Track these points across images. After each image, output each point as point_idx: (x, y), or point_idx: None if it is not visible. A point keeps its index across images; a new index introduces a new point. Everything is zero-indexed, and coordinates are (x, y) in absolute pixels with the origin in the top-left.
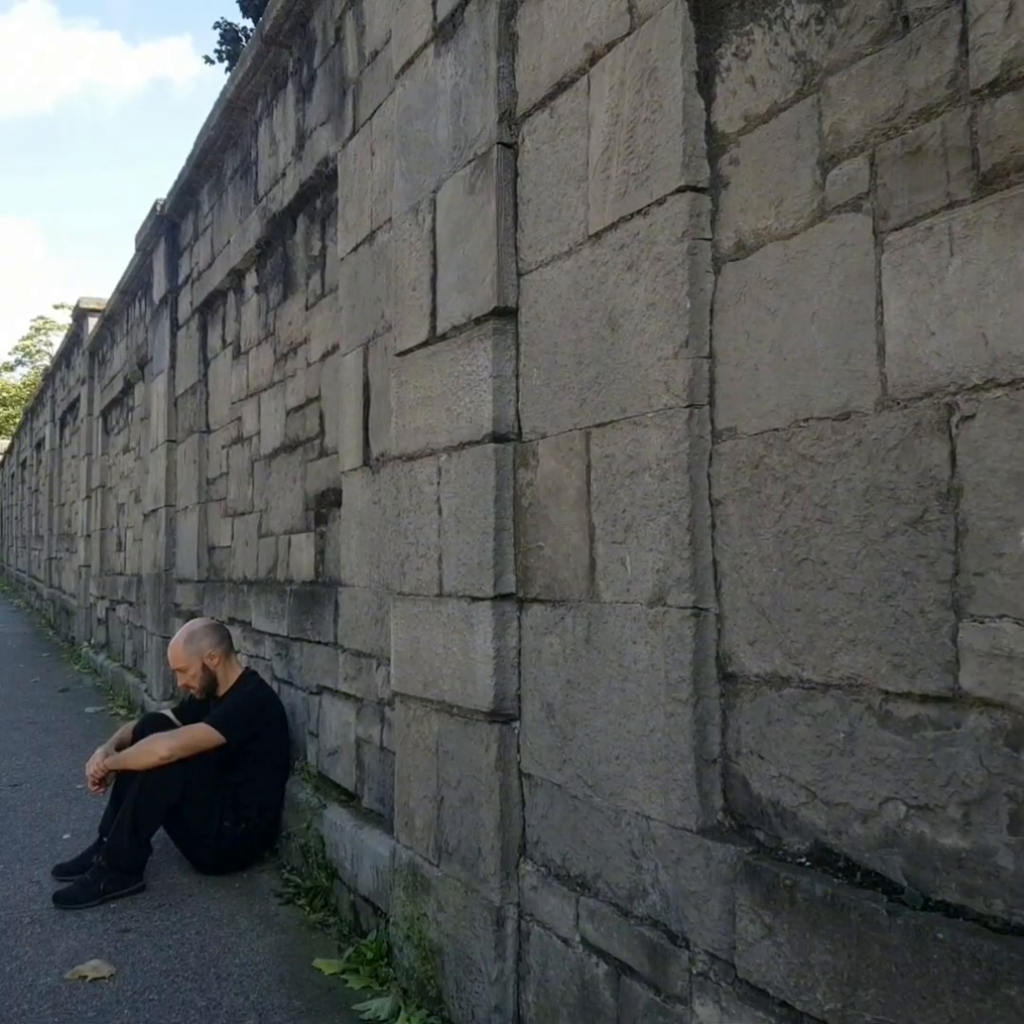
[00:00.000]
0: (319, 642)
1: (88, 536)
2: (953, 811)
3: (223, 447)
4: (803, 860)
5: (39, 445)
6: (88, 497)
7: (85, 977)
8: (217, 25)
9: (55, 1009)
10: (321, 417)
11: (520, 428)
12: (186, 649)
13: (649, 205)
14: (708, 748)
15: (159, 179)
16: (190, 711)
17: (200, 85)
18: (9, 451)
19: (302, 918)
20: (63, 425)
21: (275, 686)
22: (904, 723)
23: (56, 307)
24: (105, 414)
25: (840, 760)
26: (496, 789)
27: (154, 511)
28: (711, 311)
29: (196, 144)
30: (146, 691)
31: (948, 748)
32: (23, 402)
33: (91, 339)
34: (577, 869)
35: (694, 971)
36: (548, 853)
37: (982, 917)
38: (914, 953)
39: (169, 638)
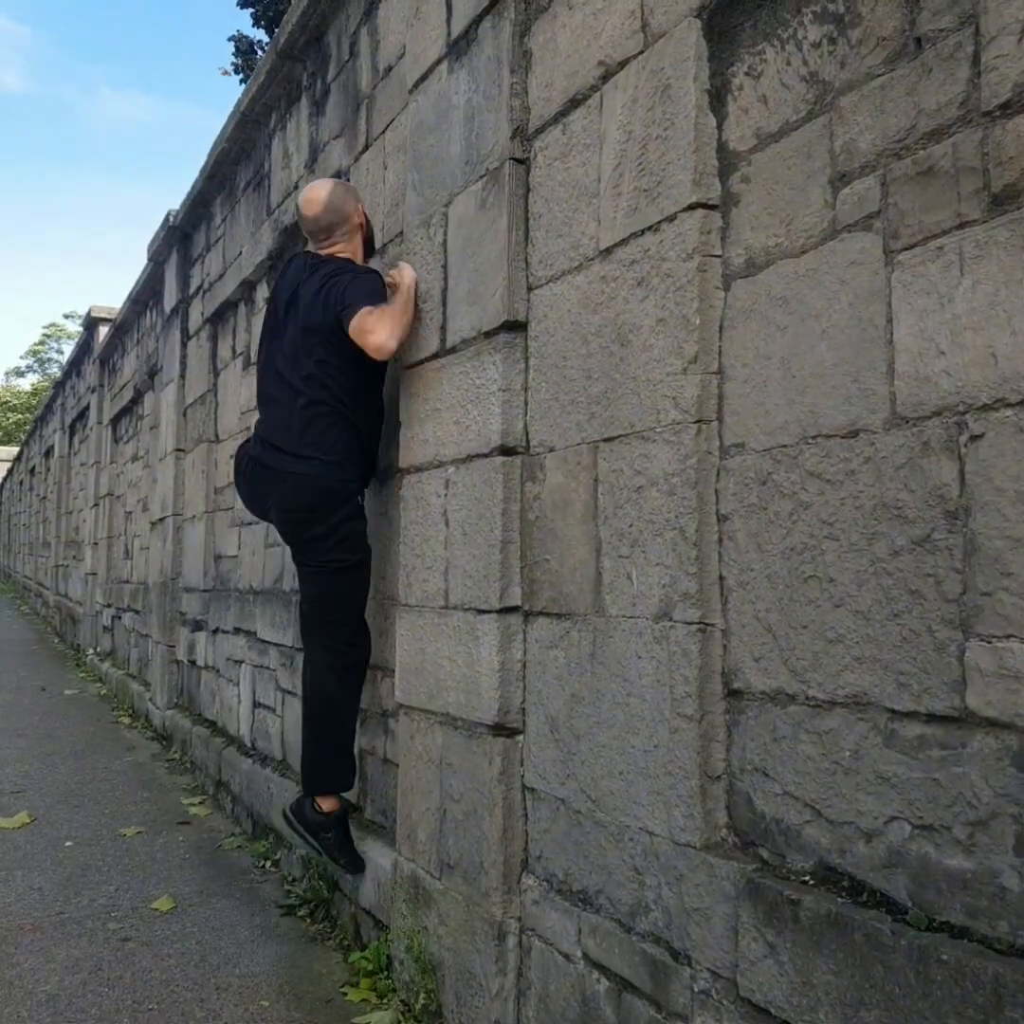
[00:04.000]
0: None
1: (95, 544)
2: (958, 832)
3: (232, 457)
4: (807, 878)
5: (48, 452)
6: (96, 505)
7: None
8: (231, 38)
9: (54, 1017)
10: None
11: (528, 441)
12: (343, 191)
13: (660, 221)
14: (712, 764)
15: (179, 192)
16: None
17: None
18: (18, 458)
19: (302, 929)
20: (72, 433)
21: (280, 697)
22: (910, 742)
23: (67, 316)
24: (114, 422)
25: (845, 779)
26: (499, 803)
27: (161, 520)
28: (720, 327)
29: (209, 156)
30: (150, 699)
31: (954, 768)
32: (33, 408)
33: (102, 348)
34: (579, 884)
35: (696, 989)
36: (550, 868)
37: (987, 939)
38: (918, 974)
39: (173, 647)
